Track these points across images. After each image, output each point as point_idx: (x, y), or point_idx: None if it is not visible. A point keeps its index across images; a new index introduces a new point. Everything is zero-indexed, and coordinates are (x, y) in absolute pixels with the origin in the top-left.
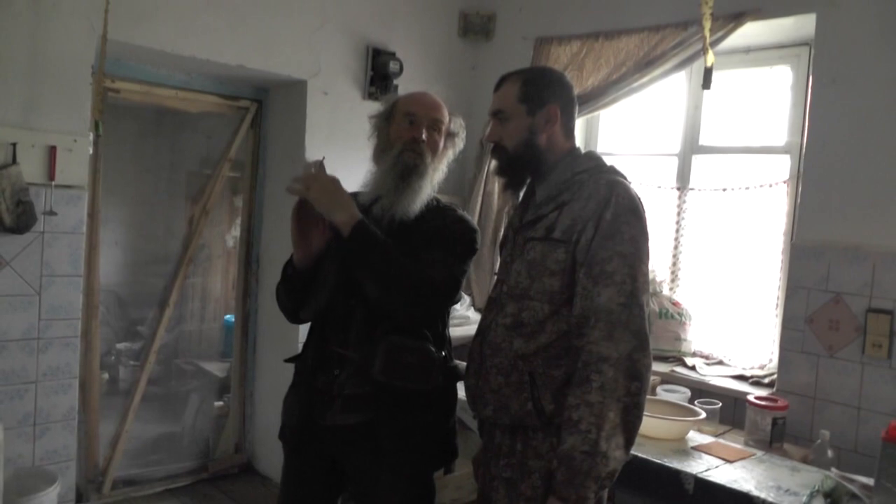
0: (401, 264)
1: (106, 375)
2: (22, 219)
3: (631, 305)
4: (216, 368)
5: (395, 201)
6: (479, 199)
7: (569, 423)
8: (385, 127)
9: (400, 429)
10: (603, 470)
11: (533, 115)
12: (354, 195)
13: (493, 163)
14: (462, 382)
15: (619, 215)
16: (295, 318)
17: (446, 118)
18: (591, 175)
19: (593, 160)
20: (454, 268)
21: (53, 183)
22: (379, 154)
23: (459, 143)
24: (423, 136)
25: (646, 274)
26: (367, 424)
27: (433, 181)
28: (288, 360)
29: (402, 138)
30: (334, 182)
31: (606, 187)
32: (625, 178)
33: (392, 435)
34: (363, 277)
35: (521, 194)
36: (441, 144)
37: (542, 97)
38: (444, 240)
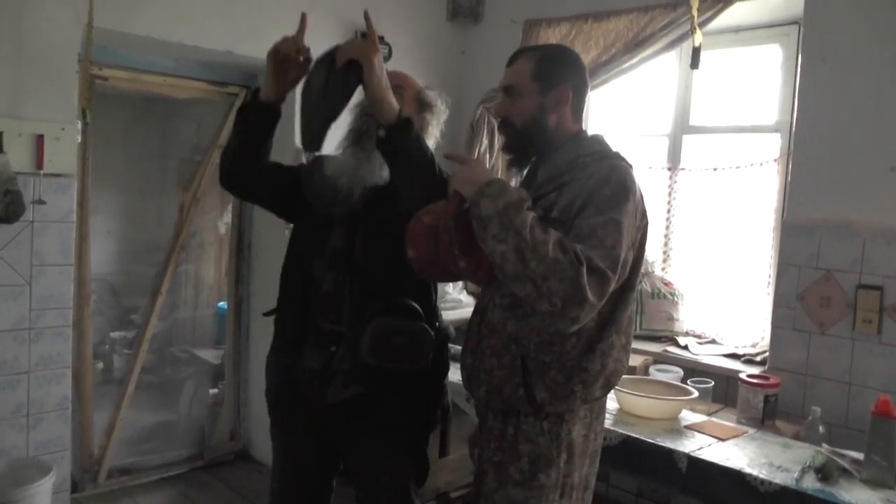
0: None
1: (100, 364)
2: (10, 208)
3: (612, 270)
4: (210, 356)
5: (355, 169)
6: None
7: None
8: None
9: (397, 401)
10: (486, 210)
11: (545, 95)
12: (321, 159)
13: (502, 139)
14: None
15: (619, 192)
16: (238, 176)
17: (409, 86)
18: (594, 159)
19: (599, 144)
20: None
21: (42, 172)
22: (347, 129)
23: (440, 114)
24: None
25: (627, 255)
26: (363, 398)
27: None
28: (267, 314)
29: (360, 105)
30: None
31: (608, 169)
32: (629, 165)
33: (389, 407)
34: (401, 175)
35: (524, 174)
36: (405, 109)
37: (555, 77)
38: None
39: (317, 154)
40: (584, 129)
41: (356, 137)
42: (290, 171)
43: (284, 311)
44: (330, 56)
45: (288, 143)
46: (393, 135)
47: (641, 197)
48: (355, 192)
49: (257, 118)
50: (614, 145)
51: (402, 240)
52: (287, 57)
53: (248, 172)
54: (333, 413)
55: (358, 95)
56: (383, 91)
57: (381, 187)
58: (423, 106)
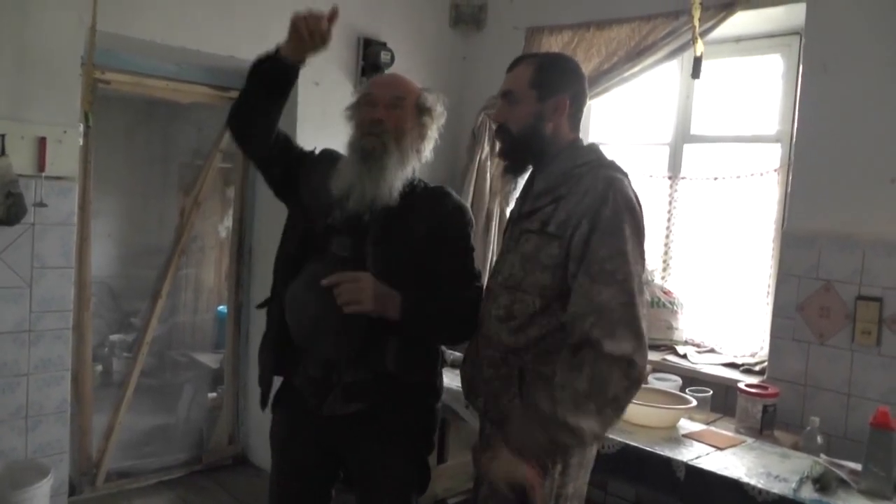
0: (452, 315)
1: (99, 367)
2: (12, 210)
3: (632, 305)
4: (209, 360)
5: (365, 190)
6: (471, 188)
7: (546, 395)
8: (355, 115)
9: (402, 415)
10: (562, 439)
11: (542, 102)
12: (330, 154)
13: (497, 144)
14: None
15: (618, 213)
16: (241, 122)
17: (410, 93)
18: (590, 169)
19: (594, 153)
20: (475, 276)
21: (43, 174)
22: (348, 142)
23: (439, 117)
24: (381, 115)
25: (642, 273)
26: (367, 412)
27: (403, 160)
28: (260, 306)
29: (364, 122)
30: (372, 281)
31: (604, 183)
32: (624, 175)
33: (396, 421)
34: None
35: (522, 184)
36: (407, 121)
37: (554, 85)
38: (454, 245)
39: (326, 148)
40: (580, 137)
41: (363, 157)
42: (297, 150)
43: (278, 306)
44: (324, 290)
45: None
46: (406, 325)
47: (640, 206)
48: (364, 214)
49: (270, 66)
50: (610, 154)
51: (414, 257)
52: (301, 34)
53: (256, 124)
54: (334, 422)
55: (342, 102)
56: (387, 311)
57: (392, 207)
58: (423, 111)
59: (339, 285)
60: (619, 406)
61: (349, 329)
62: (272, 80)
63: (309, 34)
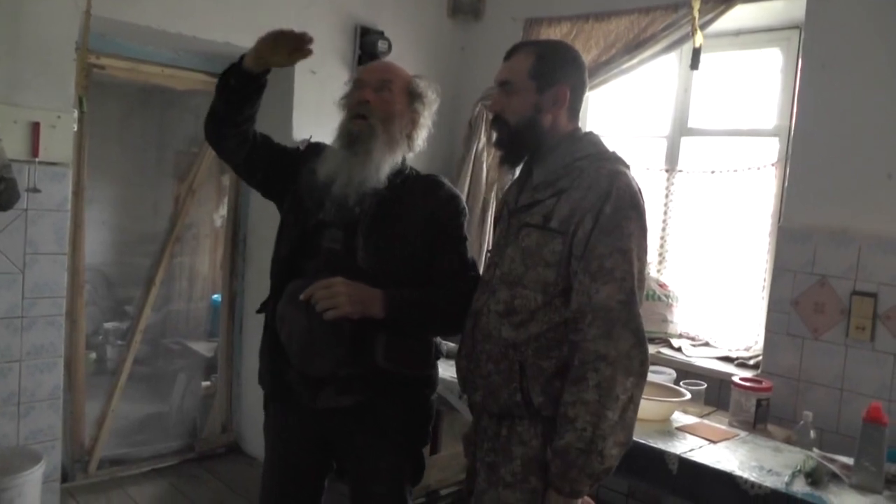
0: (442, 308)
1: (93, 355)
2: (4, 196)
3: (630, 303)
4: (203, 348)
5: (351, 173)
6: (468, 179)
7: (564, 420)
8: (345, 102)
9: (399, 408)
10: (598, 467)
11: (541, 94)
12: (316, 148)
13: (493, 134)
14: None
15: (620, 209)
16: (216, 135)
17: (398, 77)
18: (591, 162)
19: (594, 145)
20: (469, 266)
21: (37, 160)
22: (337, 128)
23: (431, 104)
24: (369, 97)
25: (643, 270)
26: (363, 405)
27: (391, 143)
28: (260, 311)
29: (352, 104)
30: (345, 284)
31: (607, 178)
32: (626, 167)
33: (390, 414)
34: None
35: (518, 171)
36: (396, 104)
37: (553, 76)
38: (448, 235)
39: (312, 141)
40: (578, 127)
41: (349, 141)
42: (279, 150)
43: (273, 307)
44: (305, 303)
45: (285, 134)
46: (393, 322)
47: (643, 200)
48: (350, 198)
49: (237, 82)
50: (610, 145)
51: (407, 248)
52: (287, 44)
53: (228, 134)
54: (328, 415)
55: (338, 91)
56: (369, 310)
57: (380, 191)
58: (414, 97)
59: (314, 294)
60: (631, 400)
61: (335, 340)
62: (240, 94)
63: (287, 57)
